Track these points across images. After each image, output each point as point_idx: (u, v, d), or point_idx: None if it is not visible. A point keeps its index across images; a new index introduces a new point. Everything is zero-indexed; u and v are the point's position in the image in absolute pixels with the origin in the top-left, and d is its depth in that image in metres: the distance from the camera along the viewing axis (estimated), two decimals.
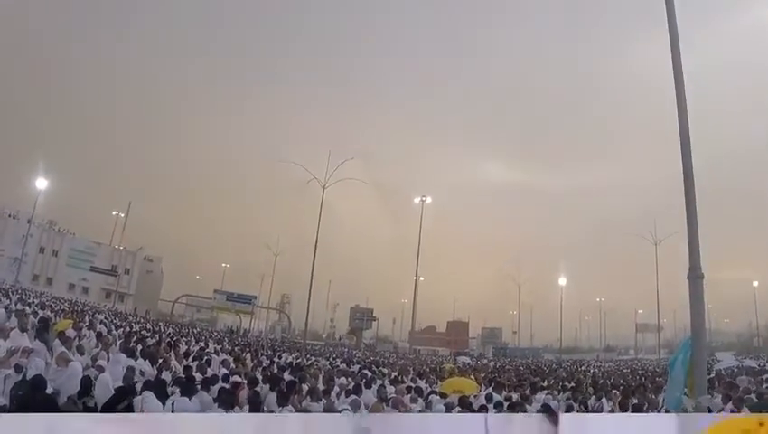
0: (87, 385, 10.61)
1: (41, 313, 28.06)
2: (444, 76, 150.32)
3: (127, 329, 32.99)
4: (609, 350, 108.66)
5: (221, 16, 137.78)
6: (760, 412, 15.89)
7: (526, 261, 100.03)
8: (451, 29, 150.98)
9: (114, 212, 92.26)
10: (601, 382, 29.77)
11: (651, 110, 75.57)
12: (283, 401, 11.73)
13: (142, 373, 13.60)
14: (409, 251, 65.45)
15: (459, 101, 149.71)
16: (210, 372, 15.78)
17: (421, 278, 68.94)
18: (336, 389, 15.57)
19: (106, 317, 42.80)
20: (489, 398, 16.37)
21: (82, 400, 10.24)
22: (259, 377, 16.31)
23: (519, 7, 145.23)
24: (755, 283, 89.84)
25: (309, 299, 45.48)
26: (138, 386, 11.11)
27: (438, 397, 16.40)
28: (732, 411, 14.55)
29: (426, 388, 18.69)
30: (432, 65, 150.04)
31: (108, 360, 14.03)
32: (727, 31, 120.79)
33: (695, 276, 9.74)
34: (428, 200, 66.50)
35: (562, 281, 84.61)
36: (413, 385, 18.27)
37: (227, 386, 12.35)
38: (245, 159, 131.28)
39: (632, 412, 14.87)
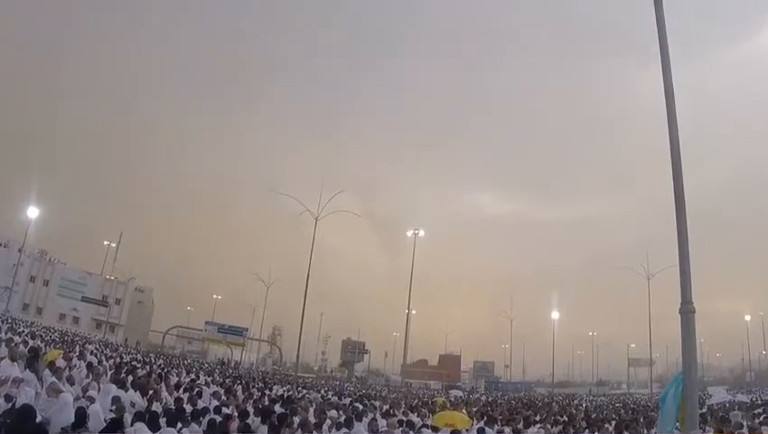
0: (81, 417, 10.55)
1: (31, 342, 27.87)
2: (439, 108, 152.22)
3: (118, 360, 32.74)
4: (601, 384, 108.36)
5: (216, 47, 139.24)
6: None
7: (519, 294, 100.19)
8: (446, 61, 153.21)
9: (105, 242, 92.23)
10: (593, 416, 29.61)
11: (647, 142, 76.49)
12: None
13: (133, 405, 13.54)
14: (402, 284, 65.50)
15: (455, 133, 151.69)
16: (200, 403, 15.69)
17: (413, 312, 68.89)
18: (327, 422, 15.46)
19: (96, 348, 42.43)
20: (481, 432, 16.32)
21: (77, 432, 10.17)
22: (250, 409, 16.23)
23: (517, 40, 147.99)
24: (748, 317, 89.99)
25: (301, 331, 45.33)
26: (129, 418, 11.06)
27: (430, 431, 16.32)
28: None
29: (418, 421, 18.55)
30: (428, 97, 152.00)
31: (99, 391, 13.96)
32: (727, 60, 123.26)
33: (686, 310, 9.68)
34: (421, 233, 66.67)
35: (555, 315, 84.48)
36: (404, 419, 18.15)
37: (218, 418, 12.29)
38: (238, 190, 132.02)
39: None
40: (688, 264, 9.93)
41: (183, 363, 50.93)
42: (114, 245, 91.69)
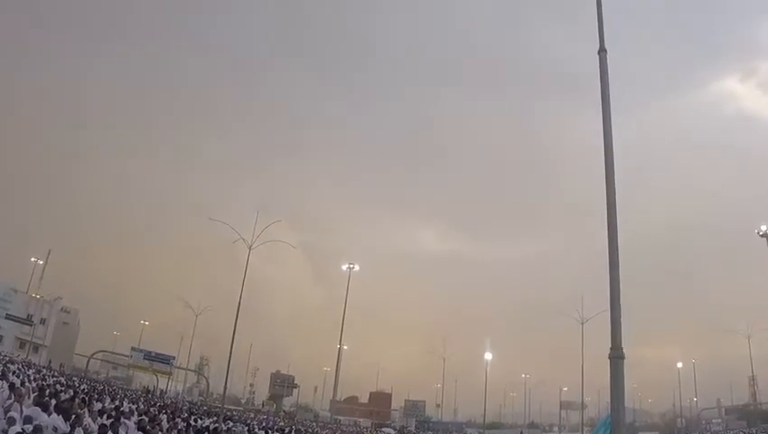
0: None
1: None
2: (382, 146, 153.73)
3: (41, 382, 31.81)
4: (533, 427, 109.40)
5: (153, 69, 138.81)
6: None
7: (454, 334, 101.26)
8: (389, 100, 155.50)
9: (33, 259, 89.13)
10: None
11: (587, 186, 78.93)
12: None
13: (55, 429, 13.41)
14: (335, 319, 65.62)
15: (397, 171, 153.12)
16: (123, 432, 15.58)
17: (345, 347, 68.90)
18: None
19: (19, 368, 41.08)
20: None
21: None
22: None
23: (459, 81, 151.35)
24: (680, 364, 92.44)
25: (229, 362, 44.97)
26: None
27: None
28: None
29: None
30: (371, 133, 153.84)
31: (21, 413, 13.76)
32: (674, 108, 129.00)
33: (616, 355, 10.00)
34: (356, 267, 66.98)
35: (488, 355, 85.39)
36: None
37: None
38: (173, 216, 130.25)
39: None
40: (618, 312, 10.37)
41: (108, 389, 49.58)
42: (42, 262, 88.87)
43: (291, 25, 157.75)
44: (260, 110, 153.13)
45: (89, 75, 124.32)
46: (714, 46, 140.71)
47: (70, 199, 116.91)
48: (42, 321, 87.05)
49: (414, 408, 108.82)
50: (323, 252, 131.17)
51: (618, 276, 10.66)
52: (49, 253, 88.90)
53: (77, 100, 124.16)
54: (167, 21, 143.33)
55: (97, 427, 16.04)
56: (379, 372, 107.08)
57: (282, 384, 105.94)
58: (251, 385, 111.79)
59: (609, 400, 10.52)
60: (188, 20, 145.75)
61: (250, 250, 45.77)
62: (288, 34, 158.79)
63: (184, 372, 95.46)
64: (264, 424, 47.46)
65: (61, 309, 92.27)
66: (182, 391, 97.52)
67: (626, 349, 10.01)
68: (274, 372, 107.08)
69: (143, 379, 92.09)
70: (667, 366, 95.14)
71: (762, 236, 55.81)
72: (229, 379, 48.45)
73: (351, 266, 66.45)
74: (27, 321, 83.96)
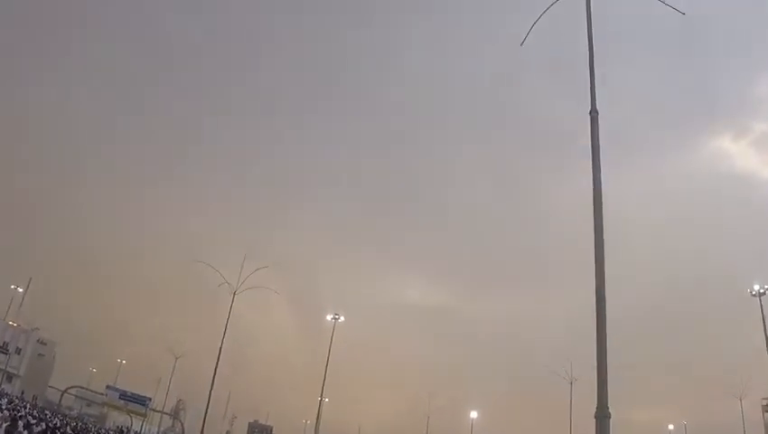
0: None
1: None
2: (372, 196, 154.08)
3: (14, 412, 30.34)
4: None
5: (139, 111, 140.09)
6: None
7: (439, 389, 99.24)
8: (386, 151, 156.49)
9: (12, 286, 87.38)
10: None
11: (574, 245, 78.59)
12: None
13: None
14: (317, 369, 64.13)
15: (384, 221, 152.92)
16: None
17: (326, 400, 67.21)
18: None
19: None
20: None
21: None
22: None
23: (445, 133, 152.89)
24: (671, 426, 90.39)
25: (207, 408, 44.08)
26: None
27: None
28: None
29: None
30: (360, 183, 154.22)
31: None
32: (667, 169, 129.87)
33: (602, 415, 9.87)
34: (341, 318, 66.10)
35: (473, 414, 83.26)
36: None
37: None
38: (158, 255, 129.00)
39: None
40: (605, 372, 10.43)
41: (80, 427, 47.83)
42: (21, 290, 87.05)
43: (286, 71, 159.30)
44: (251, 155, 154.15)
45: (76, 105, 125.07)
46: (706, 105, 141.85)
47: (56, 230, 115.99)
48: (18, 350, 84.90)
49: None
50: (309, 301, 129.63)
51: (605, 336, 10.63)
52: (30, 282, 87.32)
53: (63, 130, 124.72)
54: (157, 63, 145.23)
55: None
56: (360, 427, 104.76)
57: None
58: (228, 433, 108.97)
59: None
60: (181, 57, 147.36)
61: (235, 294, 45.44)
62: (280, 80, 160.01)
63: (160, 414, 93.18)
64: None
65: (38, 340, 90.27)
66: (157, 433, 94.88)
67: (616, 410, 9.91)
68: (252, 421, 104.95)
69: (117, 418, 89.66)
70: (658, 428, 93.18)
71: (754, 295, 55.31)
72: (205, 425, 46.88)
73: (336, 317, 65.57)
74: (2, 349, 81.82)
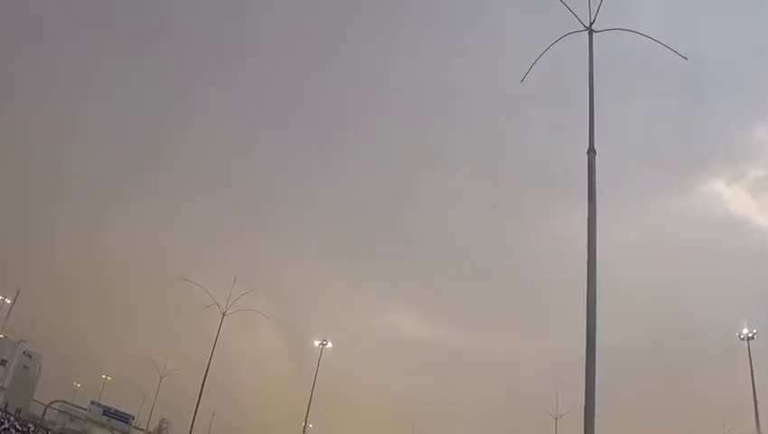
0: None
1: None
2: (366, 223, 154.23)
3: None
4: None
5: (131, 134, 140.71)
6: None
7: (423, 421, 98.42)
8: (381, 179, 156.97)
9: (0, 297, 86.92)
10: None
11: (565, 283, 78.62)
12: None
13: None
14: (303, 395, 63.88)
15: (376, 250, 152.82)
16: None
17: (310, 425, 66.87)
18: None
19: None
20: None
21: None
22: None
23: (441, 165, 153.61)
24: None
25: (192, 428, 43.78)
26: None
27: None
28: None
29: None
30: (355, 209, 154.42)
31: None
32: (660, 211, 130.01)
33: None
34: (329, 344, 66.00)
35: None
36: None
37: None
38: (147, 273, 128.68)
39: None
40: (593, 410, 10.12)
41: None
42: (9, 301, 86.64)
43: (275, 99, 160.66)
44: (244, 180, 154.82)
45: (72, 123, 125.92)
46: (701, 149, 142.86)
47: (46, 243, 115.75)
48: (3, 362, 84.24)
49: None
50: (298, 326, 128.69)
51: (594, 373, 10.59)
52: (18, 293, 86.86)
53: (58, 146, 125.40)
54: (154, 90, 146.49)
55: None
56: None
57: None
58: None
59: None
60: (175, 83, 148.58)
61: (224, 316, 45.60)
62: (272, 106, 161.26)
63: (142, 432, 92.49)
64: None
65: (24, 352, 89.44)
66: None
67: None
68: None
69: None
70: None
71: (742, 339, 56.08)
72: None
73: (324, 342, 65.49)
74: None
